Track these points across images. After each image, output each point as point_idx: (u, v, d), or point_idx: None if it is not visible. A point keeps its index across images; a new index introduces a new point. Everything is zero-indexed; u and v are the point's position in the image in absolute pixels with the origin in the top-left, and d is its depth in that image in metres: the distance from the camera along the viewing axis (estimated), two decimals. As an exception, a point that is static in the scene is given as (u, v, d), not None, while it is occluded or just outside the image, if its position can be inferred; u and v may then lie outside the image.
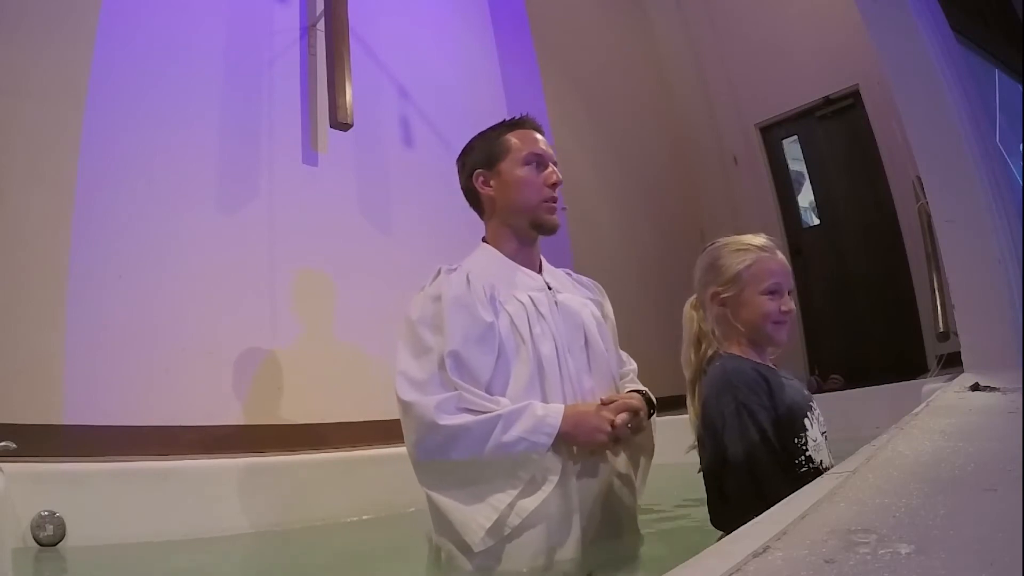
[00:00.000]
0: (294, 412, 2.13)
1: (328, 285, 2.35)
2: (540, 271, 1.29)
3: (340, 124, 2.38)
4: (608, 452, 1.17)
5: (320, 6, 2.52)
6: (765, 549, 0.46)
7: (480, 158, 1.30)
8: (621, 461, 1.22)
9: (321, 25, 2.50)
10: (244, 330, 2.09)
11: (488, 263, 1.25)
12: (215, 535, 1.57)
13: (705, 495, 1.10)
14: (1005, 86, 2.63)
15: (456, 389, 1.08)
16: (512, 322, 1.16)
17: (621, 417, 1.11)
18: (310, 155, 2.43)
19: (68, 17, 1.90)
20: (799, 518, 0.53)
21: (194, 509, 1.58)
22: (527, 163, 1.25)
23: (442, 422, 1.05)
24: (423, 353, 1.13)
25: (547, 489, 1.06)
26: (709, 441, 1.06)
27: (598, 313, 1.29)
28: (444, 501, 1.08)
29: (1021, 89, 2.76)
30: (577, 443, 1.10)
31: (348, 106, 2.37)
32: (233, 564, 1.51)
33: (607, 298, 1.38)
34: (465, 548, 1.07)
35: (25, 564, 1.28)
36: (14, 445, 1.39)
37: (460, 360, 1.10)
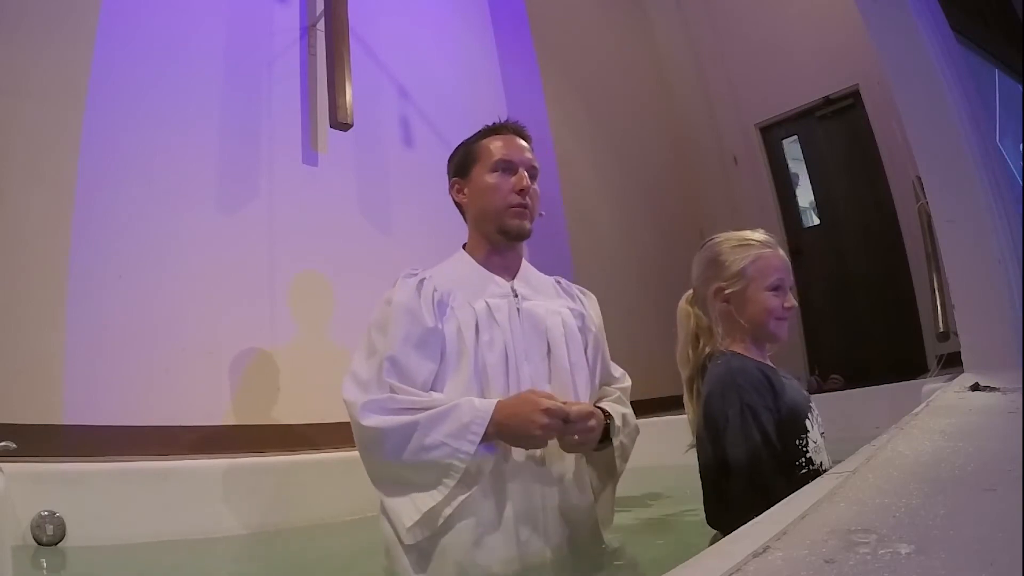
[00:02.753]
0: (294, 412, 2.13)
1: (328, 285, 2.35)
2: (515, 276, 1.25)
3: (340, 124, 2.38)
4: (554, 456, 1.12)
5: (320, 6, 2.52)
6: (765, 549, 0.46)
7: (456, 166, 1.30)
8: (571, 468, 1.16)
9: (321, 25, 2.50)
10: (244, 330, 2.09)
11: (455, 269, 1.24)
12: (215, 535, 1.57)
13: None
14: (1005, 86, 2.63)
15: (391, 390, 1.07)
16: (459, 328, 1.14)
17: (557, 409, 1.03)
18: (310, 155, 2.43)
19: (68, 17, 1.90)
20: (799, 518, 0.53)
21: (194, 509, 1.58)
22: (495, 169, 1.23)
23: (364, 423, 1.05)
24: (371, 355, 1.13)
25: (473, 490, 1.04)
26: (709, 440, 1.05)
27: (572, 323, 1.23)
28: (380, 494, 1.10)
29: (1021, 89, 2.76)
30: (506, 438, 1.06)
31: (348, 106, 2.37)
32: (233, 564, 1.52)
33: (596, 308, 1.33)
34: (399, 538, 1.07)
35: (25, 564, 1.28)
36: (14, 445, 1.39)
37: (397, 364, 1.09)
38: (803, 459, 1.02)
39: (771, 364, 1.13)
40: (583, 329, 1.25)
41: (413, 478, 1.05)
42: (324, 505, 1.79)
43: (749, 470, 0.99)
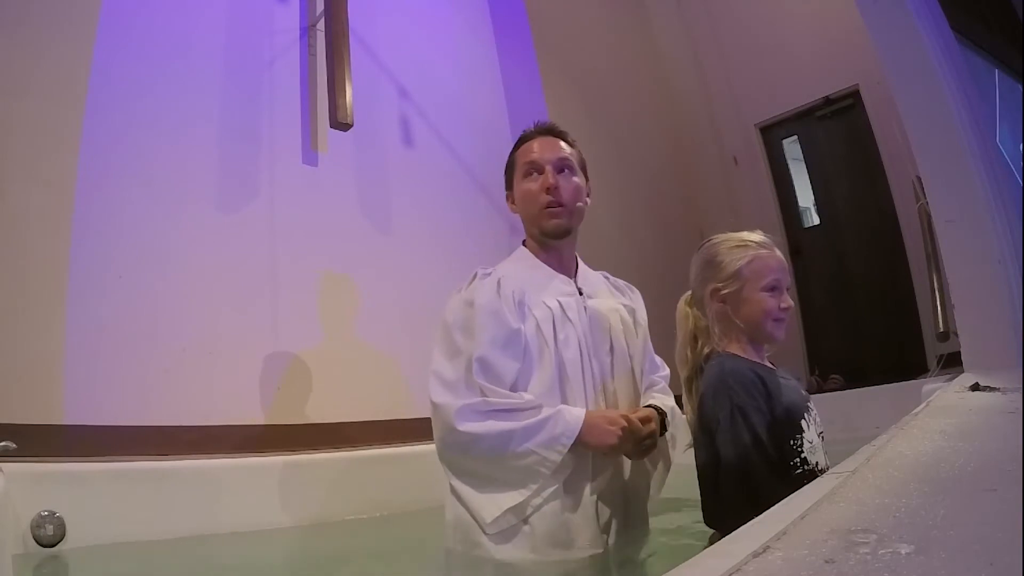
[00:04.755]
0: (293, 412, 2.12)
1: (328, 285, 2.35)
2: (576, 274, 1.32)
3: (340, 124, 2.38)
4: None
5: (320, 6, 2.52)
6: (765, 549, 0.46)
7: (506, 180, 1.37)
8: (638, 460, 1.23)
9: (321, 25, 2.50)
10: (244, 330, 2.09)
11: (522, 268, 1.30)
12: (215, 535, 1.57)
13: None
14: (1005, 86, 2.63)
15: (481, 391, 1.12)
16: (538, 327, 1.20)
17: (635, 420, 1.14)
18: (310, 155, 2.43)
19: (68, 17, 1.90)
20: (799, 518, 0.53)
21: (194, 509, 1.58)
22: (526, 174, 1.30)
23: (460, 428, 1.10)
24: (455, 355, 1.18)
25: (560, 482, 1.11)
26: (704, 441, 1.07)
27: (628, 318, 1.31)
28: (461, 486, 1.15)
29: (1021, 89, 2.76)
30: (589, 448, 1.13)
31: (348, 106, 2.37)
32: (233, 564, 1.51)
33: (641, 302, 1.40)
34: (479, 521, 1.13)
35: (24, 564, 1.28)
36: (14, 445, 1.39)
37: (486, 364, 1.14)
38: (797, 459, 1.02)
39: (770, 364, 1.14)
40: (636, 324, 1.33)
41: (498, 476, 1.11)
42: (325, 505, 1.80)
43: (740, 471, 0.99)
